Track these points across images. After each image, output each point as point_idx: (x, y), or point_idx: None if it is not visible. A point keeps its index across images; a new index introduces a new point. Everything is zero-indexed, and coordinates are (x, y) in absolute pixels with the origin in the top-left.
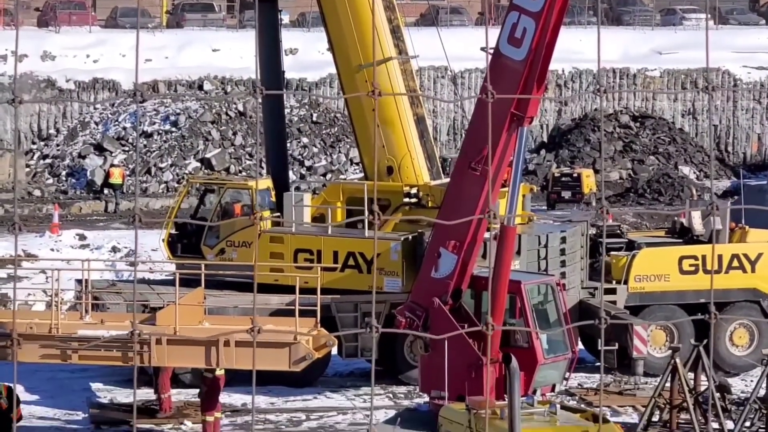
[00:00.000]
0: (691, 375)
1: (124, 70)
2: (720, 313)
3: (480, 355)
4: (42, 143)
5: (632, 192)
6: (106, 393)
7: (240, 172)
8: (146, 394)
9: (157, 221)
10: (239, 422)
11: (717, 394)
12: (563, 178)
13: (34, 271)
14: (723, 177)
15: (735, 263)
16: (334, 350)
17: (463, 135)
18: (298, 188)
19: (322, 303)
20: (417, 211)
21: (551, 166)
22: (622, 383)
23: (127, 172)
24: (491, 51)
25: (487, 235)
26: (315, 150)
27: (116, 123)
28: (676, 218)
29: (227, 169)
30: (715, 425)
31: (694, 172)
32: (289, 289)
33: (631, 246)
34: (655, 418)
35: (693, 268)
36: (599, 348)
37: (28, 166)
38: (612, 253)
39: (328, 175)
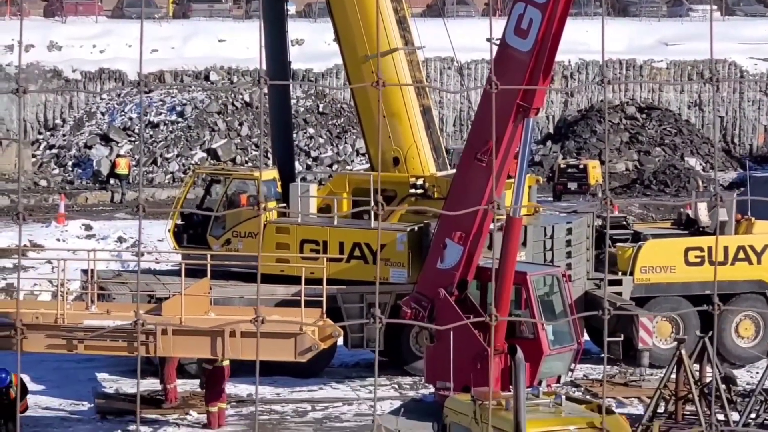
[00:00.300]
0: (696, 366)
1: (131, 61)
2: (726, 304)
3: (485, 346)
4: (48, 133)
5: (638, 183)
6: (111, 383)
7: (246, 162)
8: (152, 384)
9: (163, 210)
10: (245, 412)
11: (722, 386)
12: (569, 170)
13: (40, 261)
14: (729, 168)
15: (741, 255)
16: (340, 341)
17: (469, 126)
18: (304, 179)
19: (328, 294)
20: (423, 202)
21: (557, 158)
22: (628, 374)
23: (133, 163)
24: (497, 42)
25: (493, 226)
26: (321, 141)
27: (122, 113)
28: (682, 210)
29: (233, 160)
30: (721, 417)
31: (701, 164)
32: (294, 280)
33: (637, 237)
34: (661, 410)
35: (699, 260)
36: (604, 339)
37: (34, 156)
38: (618, 244)
39: (335, 166)
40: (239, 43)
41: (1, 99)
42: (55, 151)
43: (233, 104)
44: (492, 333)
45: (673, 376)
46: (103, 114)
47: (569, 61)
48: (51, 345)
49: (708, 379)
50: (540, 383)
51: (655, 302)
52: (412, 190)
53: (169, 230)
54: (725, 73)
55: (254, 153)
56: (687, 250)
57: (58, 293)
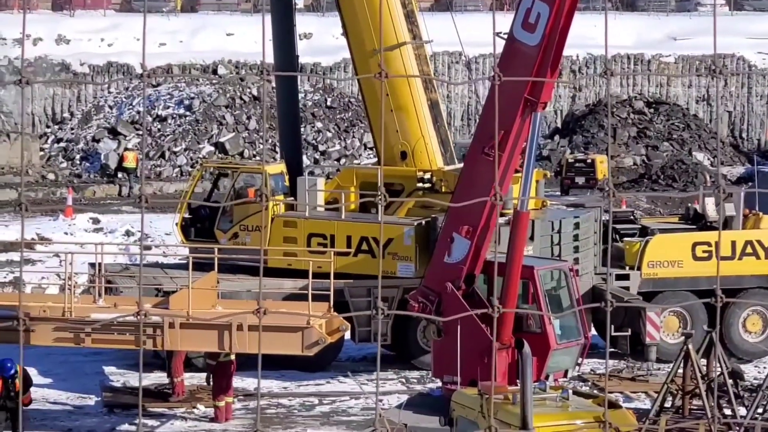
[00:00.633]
0: (703, 361)
1: (138, 54)
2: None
3: (493, 340)
4: (56, 127)
5: (646, 178)
6: (119, 376)
7: (254, 156)
8: (159, 378)
9: (164, 201)
10: (252, 406)
11: (730, 381)
12: (577, 164)
13: (48, 254)
14: (737, 163)
15: (748, 249)
16: (347, 335)
17: (477, 120)
18: (311, 173)
19: (335, 288)
20: (430, 196)
21: (565, 152)
22: (635, 369)
23: (141, 156)
24: (503, 35)
25: (501, 220)
26: (329, 135)
27: (130, 107)
28: (689, 204)
29: (241, 154)
30: (728, 411)
31: (708, 159)
32: (302, 274)
33: (645, 232)
34: (668, 404)
35: (706, 255)
36: (612, 333)
37: (42, 149)
38: (625, 239)
39: (342, 160)
40: (247, 37)
41: (9, 93)
42: (63, 144)
43: (241, 98)
44: (494, 325)
45: (681, 370)
46: (111, 108)
47: (577, 56)
48: (58, 338)
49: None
50: (547, 378)
51: (663, 297)
52: (420, 184)
53: (176, 224)
54: (733, 67)
55: (262, 146)
56: (695, 244)
57: (65, 287)
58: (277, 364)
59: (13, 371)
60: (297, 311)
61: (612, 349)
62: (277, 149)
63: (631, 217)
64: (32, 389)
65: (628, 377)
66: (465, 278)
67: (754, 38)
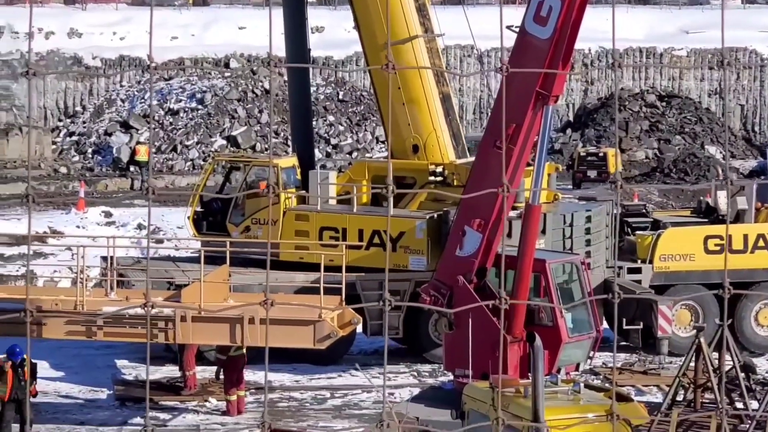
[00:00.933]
0: (715, 354)
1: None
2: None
3: (504, 333)
4: (68, 120)
5: (658, 171)
6: (131, 370)
7: (266, 149)
8: (171, 371)
9: (174, 193)
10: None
11: (741, 374)
12: (589, 158)
13: (60, 247)
14: (749, 157)
15: (761, 243)
16: (359, 328)
17: (489, 114)
18: (323, 166)
19: (347, 281)
20: (442, 190)
21: (577, 146)
22: (647, 363)
23: (153, 150)
24: (515, 29)
25: (513, 213)
26: (341, 128)
27: (142, 100)
28: (701, 198)
29: (253, 147)
30: (740, 405)
31: (721, 152)
32: (314, 267)
33: (657, 225)
34: (680, 398)
35: (718, 248)
36: (624, 327)
37: (54, 143)
38: (637, 232)
39: (354, 154)
40: (259, 31)
41: (21, 86)
42: (75, 138)
43: (253, 91)
44: (503, 317)
45: (692, 364)
46: (123, 101)
47: (589, 49)
48: (70, 332)
49: (727, 368)
50: (559, 371)
51: (675, 290)
52: (431, 178)
53: (188, 217)
54: (745, 61)
55: (274, 140)
56: (706, 238)
57: (77, 280)
58: (289, 358)
59: (22, 356)
60: (309, 304)
61: (624, 343)
62: (289, 143)
63: (643, 211)
64: (44, 382)
65: (640, 371)
66: (477, 271)
67: (766, 31)
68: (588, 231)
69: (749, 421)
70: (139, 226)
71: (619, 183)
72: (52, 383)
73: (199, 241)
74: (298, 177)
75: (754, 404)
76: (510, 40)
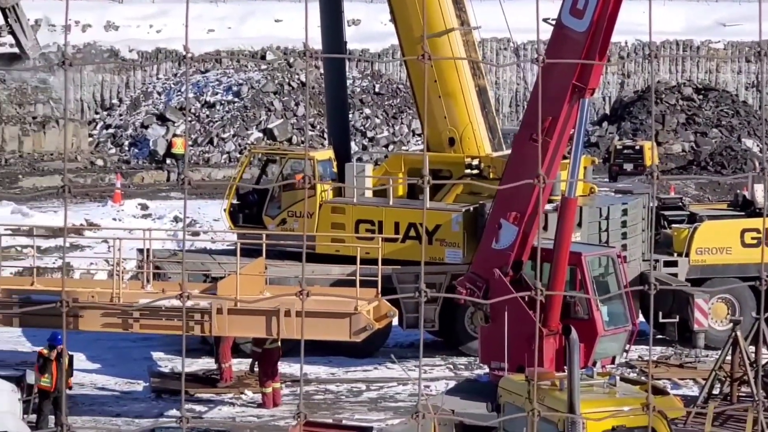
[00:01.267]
0: (752, 348)
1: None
2: None
3: (540, 327)
4: (105, 113)
5: (695, 165)
6: (167, 362)
7: (302, 142)
8: (207, 363)
9: (205, 183)
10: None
11: None
12: (625, 151)
13: (97, 240)
14: None
15: None
16: (395, 321)
17: (525, 107)
18: (360, 159)
19: (383, 274)
20: (478, 182)
21: (613, 139)
22: (683, 356)
23: (190, 143)
24: (551, 21)
25: (549, 206)
26: (377, 121)
27: (179, 93)
28: (738, 191)
29: (289, 140)
30: None
31: (758, 145)
32: (350, 260)
33: (693, 218)
34: (716, 391)
35: (755, 241)
36: (660, 320)
37: (90, 136)
38: (674, 225)
39: (391, 147)
40: (296, 23)
41: (59, 80)
42: (111, 130)
43: (289, 84)
44: (538, 308)
45: (729, 357)
46: (159, 94)
47: (626, 42)
48: (106, 324)
49: (764, 361)
50: (594, 364)
51: (711, 284)
52: (468, 171)
53: (224, 210)
54: None
55: (311, 133)
56: (743, 231)
57: (113, 272)
58: (324, 350)
59: (61, 342)
60: (345, 297)
61: (660, 336)
62: (326, 135)
63: (680, 204)
64: (81, 375)
65: (676, 364)
66: (512, 264)
67: None
68: (624, 224)
69: None
70: (175, 219)
71: (656, 174)
72: (89, 375)
73: (236, 233)
74: (335, 170)
75: None
76: (546, 33)
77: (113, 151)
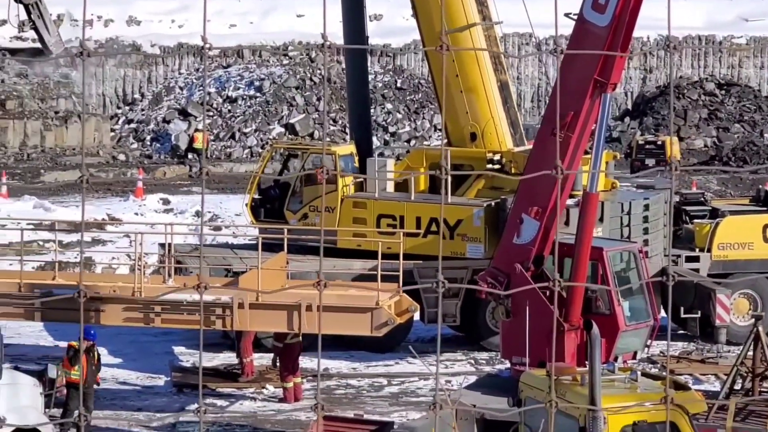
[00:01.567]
0: None
1: (210, 35)
2: None
3: (561, 322)
4: (127, 108)
5: (717, 160)
6: (188, 357)
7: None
8: (228, 358)
9: (234, 176)
10: (321, 386)
11: None
12: (647, 146)
13: (118, 234)
14: None
15: None
16: (417, 316)
17: (546, 102)
18: (381, 154)
19: (405, 269)
20: (499, 178)
21: (635, 134)
22: (705, 351)
23: (211, 137)
24: (573, 16)
25: (570, 201)
26: (399, 116)
27: (201, 88)
28: (760, 186)
29: (311, 135)
30: None
31: None
32: (371, 255)
33: (715, 214)
34: (737, 386)
35: None
36: (682, 315)
37: (112, 130)
38: (695, 220)
39: (412, 142)
40: (318, 18)
41: (81, 74)
42: (133, 125)
43: (311, 79)
44: (555, 299)
45: (750, 353)
46: (181, 89)
47: (648, 37)
48: (128, 318)
49: None
50: (616, 359)
51: (733, 279)
52: (489, 166)
53: (246, 204)
54: None
55: (332, 128)
56: (765, 226)
57: (135, 267)
58: (345, 345)
59: (96, 337)
60: (366, 292)
61: (682, 331)
62: (347, 130)
63: (702, 199)
64: (102, 369)
65: (698, 359)
66: (534, 259)
67: None
68: (646, 219)
69: None
70: (197, 214)
71: (673, 165)
72: (110, 370)
73: (257, 228)
74: (356, 165)
75: None
76: (568, 28)
77: (135, 146)
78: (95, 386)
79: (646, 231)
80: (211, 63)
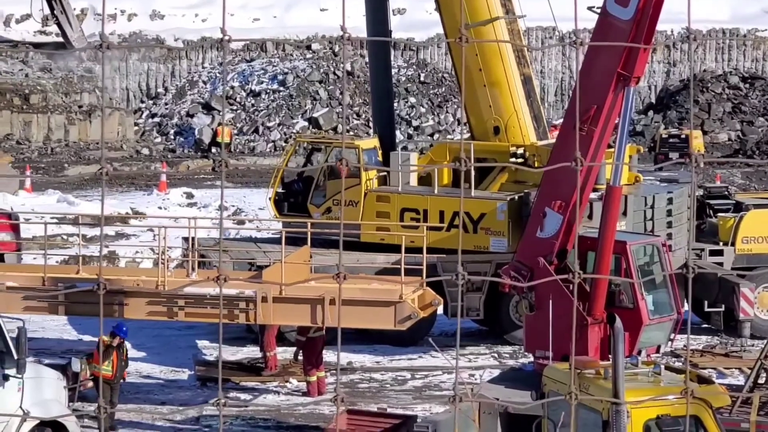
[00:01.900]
0: None
1: (233, 29)
2: None
3: (585, 315)
4: (151, 102)
5: (741, 153)
6: (212, 350)
7: (348, 131)
8: (252, 352)
9: (258, 169)
10: (345, 380)
11: None
12: (671, 140)
13: (142, 228)
14: None
15: None
16: (440, 310)
17: (570, 96)
18: (405, 148)
19: (428, 263)
20: (523, 171)
21: (659, 127)
22: (729, 345)
23: (235, 131)
24: (596, 9)
25: (594, 195)
26: (422, 110)
27: (222, 81)
28: None
29: (335, 129)
30: None
31: None
32: (395, 249)
33: (739, 207)
34: (762, 380)
35: None
36: (706, 309)
37: (136, 125)
38: (719, 214)
39: (436, 135)
40: (341, 12)
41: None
42: (157, 119)
43: (335, 73)
44: (575, 290)
45: None
46: (204, 83)
47: (671, 30)
48: (152, 312)
49: None
50: (639, 353)
51: (757, 273)
52: (513, 159)
53: (269, 198)
54: None
55: (355, 122)
56: None
57: (159, 261)
58: (369, 339)
59: (126, 335)
60: (390, 278)
61: (706, 325)
62: (371, 124)
63: (725, 193)
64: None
65: (722, 353)
66: (557, 253)
67: None
68: (669, 213)
69: None
70: (221, 208)
71: (694, 157)
72: (134, 363)
73: (281, 222)
74: (380, 158)
75: None
76: (591, 21)
77: (159, 140)
78: (121, 381)
79: (669, 225)
80: (235, 57)
